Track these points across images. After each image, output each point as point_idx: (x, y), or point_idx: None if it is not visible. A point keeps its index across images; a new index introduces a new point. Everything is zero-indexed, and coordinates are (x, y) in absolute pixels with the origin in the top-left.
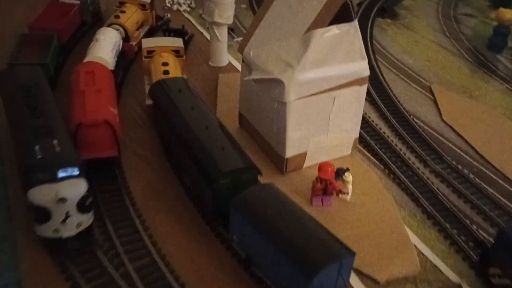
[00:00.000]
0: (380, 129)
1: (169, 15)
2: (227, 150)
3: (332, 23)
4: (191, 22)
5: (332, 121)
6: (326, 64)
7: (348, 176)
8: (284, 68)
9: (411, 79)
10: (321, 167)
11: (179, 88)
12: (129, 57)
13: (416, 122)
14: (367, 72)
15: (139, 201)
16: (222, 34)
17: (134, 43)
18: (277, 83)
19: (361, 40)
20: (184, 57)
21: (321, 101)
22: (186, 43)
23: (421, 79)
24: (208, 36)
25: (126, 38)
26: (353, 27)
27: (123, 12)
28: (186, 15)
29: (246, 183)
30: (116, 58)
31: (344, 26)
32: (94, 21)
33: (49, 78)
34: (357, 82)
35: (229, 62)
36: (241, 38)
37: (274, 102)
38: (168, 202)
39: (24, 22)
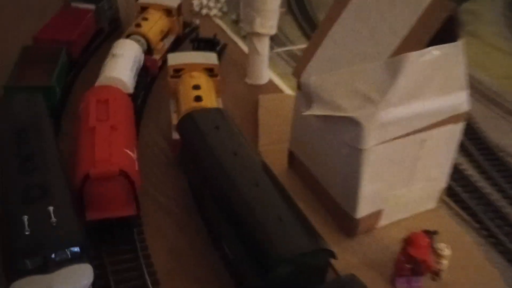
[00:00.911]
0: (465, 170)
1: (197, 21)
2: (286, 222)
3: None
4: (222, 29)
5: (418, 170)
6: (418, 97)
7: (444, 249)
8: (360, 103)
9: (492, 101)
10: (413, 240)
11: (216, 125)
12: (151, 73)
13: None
14: (466, 106)
15: (162, 276)
16: (263, 46)
17: (158, 57)
18: (350, 123)
19: (464, 65)
20: (219, 77)
21: (406, 146)
22: (218, 55)
23: (503, 101)
24: (244, 47)
25: (148, 51)
26: (457, 48)
27: (145, 19)
28: (217, 20)
29: (313, 269)
30: (136, 77)
31: (446, 48)
32: (112, 28)
33: (55, 105)
34: (453, 119)
35: (269, 79)
36: (283, 49)
37: (344, 146)
38: (200, 275)
39: (33, 32)
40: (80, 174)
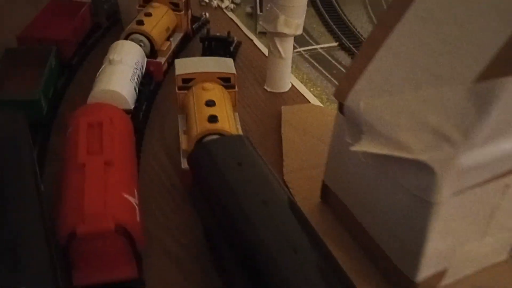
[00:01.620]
0: None
1: (207, 15)
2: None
3: None
4: (235, 23)
5: (495, 220)
6: (506, 135)
7: None
8: (432, 142)
9: None
10: None
11: (238, 160)
12: (156, 80)
13: None
14: None
15: None
16: (287, 49)
17: (163, 60)
18: (417, 168)
19: None
20: (236, 89)
21: (486, 194)
22: (232, 55)
23: None
24: (261, 46)
25: (152, 53)
26: None
27: (149, 15)
28: (230, 13)
29: None
30: (137, 87)
31: None
32: (110, 23)
33: (41, 121)
34: None
35: (292, 85)
36: (304, 48)
37: (406, 194)
38: None
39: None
40: (65, 230)
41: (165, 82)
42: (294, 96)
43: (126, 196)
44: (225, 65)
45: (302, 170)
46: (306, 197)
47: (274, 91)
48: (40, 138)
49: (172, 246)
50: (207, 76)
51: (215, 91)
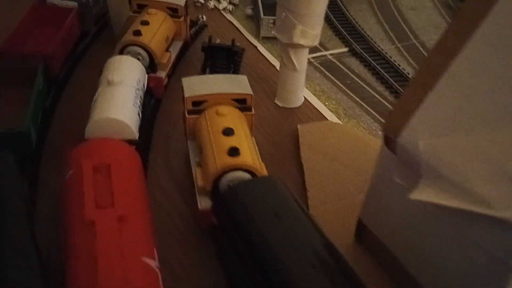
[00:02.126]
0: None
1: (204, 18)
2: None
3: None
4: (235, 27)
5: None
6: None
7: None
8: None
9: None
10: None
11: (275, 210)
12: (156, 96)
13: None
14: None
15: None
16: (302, 61)
17: (163, 74)
18: (499, 225)
19: None
20: (253, 111)
21: None
22: (237, 65)
23: None
24: (265, 52)
25: (150, 66)
26: None
27: (146, 23)
28: (228, 16)
29: None
30: (140, 112)
31: None
32: (99, 29)
33: (29, 153)
34: None
35: (305, 99)
36: (314, 55)
37: (480, 254)
38: None
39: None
40: None
41: (164, 98)
42: (309, 111)
43: (147, 260)
44: (239, 84)
45: (329, 202)
46: (338, 235)
47: (287, 106)
48: (29, 172)
49: None
50: (221, 98)
51: (231, 116)
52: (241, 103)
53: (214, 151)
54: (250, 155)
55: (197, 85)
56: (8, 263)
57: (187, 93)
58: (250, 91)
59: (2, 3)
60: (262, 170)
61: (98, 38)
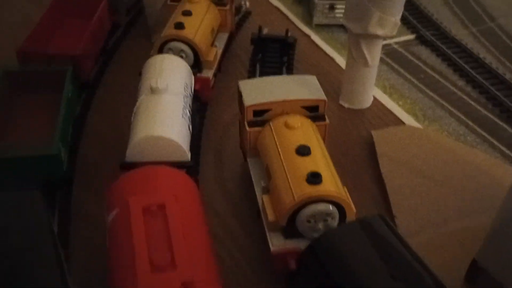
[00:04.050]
0: None
1: (247, 4)
2: None
3: None
4: (282, 13)
5: None
6: None
7: None
8: None
9: None
10: None
11: (388, 268)
12: (203, 99)
13: None
14: None
15: None
16: (375, 54)
17: (210, 74)
18: None
19: None
20: (327, 121)
21: None
22: (291, 59)
23: None
24: (321, 43)
25: (195, 64)
26: None
27: (188, 14)
28: (273, 0)
29: None
30: (190, 125)
31: None
32: (130, 19)
33: (60, 178)
34: None
35: (374, 98)
36: None
37: None
38: None
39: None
40: None
41: (213, 102)
42: (381, 113)
43: None
44: (309, 87)
45: (423, 232)
46: (440, 274)
47: (354, 107)
48: (61, 198)
49: None
50: (289, 106)
51: (304, 129)
52: (312, 110)
53: (288, 176)
54: (333, 182)
55: (258, 90)
56: None
57: (247, 101)
58: (323, 96)
59: None
60: (348, 199)
61: (130, 30)
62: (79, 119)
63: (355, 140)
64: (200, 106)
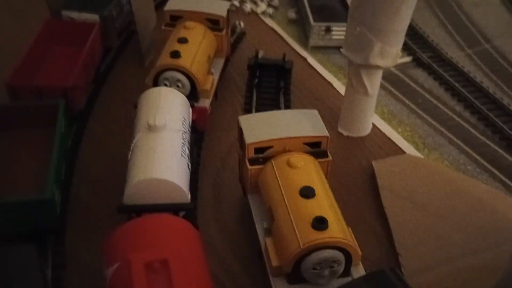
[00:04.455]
0: None
1: (242, 24)
2: None
3: None
4: (278, 34)
5: None
6: None
7: None
8: None
9: None
10: None
11: None
12: (199, 129)
13: None
14: None
15: None
16: (375, 83)
17: (207, 103)
18: None
19: None
20: (330, 157)
21: None
22: (286, 84)
23: None
24: (317, 66)
25: (192, 94)
26: None
27: (184, 41)
28: (268, 20)
29: None
30: (189, 163)
31: None
32: (122, 43)
33: (53, 222)
34: None
35: (372, 125)
36: None
37: None
38: None
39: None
40: None
41: (210, 131)
42: (379, 141)
43: None
44: (311, 122)
45: (429, 270)
46: None
47: (353, 135)
48: (54, 246)
49: None
50: (291, 143)
51: (307, 168)
52: (314, 146)
53: (293, 220)
54: (339, 227)
55: (258, 125)
56: None
57: (248, 138)
58: (326, 132)
59: (8, 22)
60: (355, 244)
61: (122, 53)
62: (70, 153)
63: (355, 170)
64: (197, 137)
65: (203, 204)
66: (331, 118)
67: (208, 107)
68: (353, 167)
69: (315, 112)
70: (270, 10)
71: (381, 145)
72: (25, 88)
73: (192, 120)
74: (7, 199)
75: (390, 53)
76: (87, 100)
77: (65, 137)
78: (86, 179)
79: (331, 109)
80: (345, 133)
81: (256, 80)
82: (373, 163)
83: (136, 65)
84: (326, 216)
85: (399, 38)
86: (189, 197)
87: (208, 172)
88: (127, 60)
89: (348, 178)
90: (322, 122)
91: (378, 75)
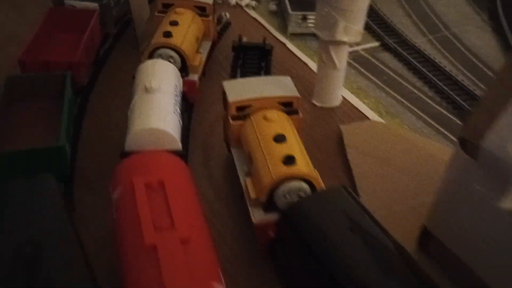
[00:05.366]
0: None
1: (227, 15)
2: None
3: None
4: (260, 24)
5: None
6: None
7: None
8: None
9: None
10: None
11: (349, 223)
12: (190, 100)
13: None
14: None
15: None
16: (342, 58)
17: (196, 77)
18: None
19: None
20: (301, 115)
21: None
22: (267, 65)
23: None
24: (295, 50)
25: (183, 69)
26: None
27: (175, 24)
28: (251, 12)
29: None
30: (181, 120)
31: None
32: (119, 31)
33: (65, 172)
34: None
35: (343, 97)
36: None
37: None
38: None
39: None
40: None
41: (198, 103)
42: (349, 110)
43: (216, 285)
44: (285, 86)
45: (383, 209)
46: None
47: (325, 106)
48: (64, 193)
49: None
50: (267, 102)
51: (280, 121)
52: (287, 106)
53: (267, 159)
54: (306, 163)
55: (240, 89)
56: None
57: (230, 98)
58: (297, 93)
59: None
60: (318, 178)
61: (119, 40)
62: (77, 122)
63: (327, 135)
64: (188, 106)
65: (193, 160)
66: (306, 92)
67: (197, 80)
68: (325, 132)
69: (289, 78)
70: (253, 3)
71: (349, 113)
72: (35, 63)
73: (184, 91)
74: (26, 147)
75: (353, 30)
76: (89, 78)
77: (72, 104)
78: (91, 142)
79: (307, 85)
80: (318, 104)
81: (240, 62)
82: (341, 127)
83: (132, 50)
84: (294, 155)
85: (360, 17)
86: (181, 145)
87: (198, 136)
88: (124, 45)
89: (320, 140)
90: (294, 86)
91: (345, 50)
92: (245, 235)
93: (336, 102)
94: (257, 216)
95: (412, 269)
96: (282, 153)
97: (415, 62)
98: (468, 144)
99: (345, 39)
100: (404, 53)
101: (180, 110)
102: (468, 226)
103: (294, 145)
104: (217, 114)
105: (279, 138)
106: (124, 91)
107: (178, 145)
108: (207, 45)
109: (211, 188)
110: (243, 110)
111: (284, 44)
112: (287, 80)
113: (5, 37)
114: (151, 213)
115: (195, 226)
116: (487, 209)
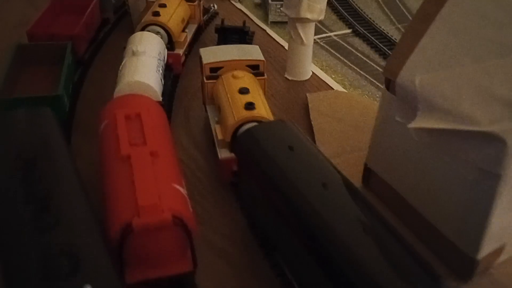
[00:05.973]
0: None
1: (215, 6)
2: (405, 271)
3: None
4: (245, 14)
5: None
6: None
7: None
8: (501, 113)
9: None
10: None
11: (288, 144)
12: (175, 72)
13: None
14: None
15: None
16: (309, 35)
17: (181, 52)
18: (484, 140)
19: None
20: (266, 76)
21: None
22: (246, 43)
23: None
24: (274, 35)
25: (169, 44)
26: None
27: (164, 6)
28: (238, 4)
29: None
30: (162, 80)
31: None
32: (118, 17)
33: (64, 119)
34: None
35: (312, 73)
36: (319, 36)
37: (469, 169)
38: None
39: (23, 23)
40: (118, 225)
41: (182, 75)
42: (317, 83)
43: (177, 186)
44: (252, 52)
45: (338, 156)
46: None
47: (296, 79)
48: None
49: (213, 237)
50: (236, 64)
51: (246, 79)
52: (255, 69)
53: (232, 107)
54: (264, 109)
55: (213, 54)
56: (63, 198)
57: (205, 61)
58: (262, 58)
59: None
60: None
61: (118, 25)
62: (77, 85)
63: (295, 102)
64: (173, 78)
65: (176, 122)
66: (281, 69)
67: (181, 54)
68: (294, 100)
69: (257, 47)
70: None
71: (317, 86)
72: (41, 34)
73: (170, 63)
74: (28, 95)
75: (316, 8)
76: (89, 54)
77: (71, 70)
78: (88, 103)
79: (283, 64)
80: (289, 78)
81: (222, 43)
82: (308, 94)
83: (128, 34)
84: (254, 102)
85: None
86: (161, 98)
87: (181, 101)
88: (121, 30)
89: (289, 107)
90: (260, 52)
91: (310, 27)
92: (214, 172)
93: (306, 76)
94: (223, 154)
95: (347, 186)
96: (245, 101)
97: (381, 45)
98: (390, 83)
99: (308, 16)
100: (372, 38)
101: (163, 72)
102: (396, 158)
103: (256, 96)
104: (199, 85)
105: (243, 90)
106: (119, 64)
107: (158, 96)
108: (192, 28)
109: (189, 138)
110: (216, 72)
111: (264, 31)
112: (255, 48)
113: (17, 21)
114: (128, 134)
115: (163, 146)
116: (406, 139)
